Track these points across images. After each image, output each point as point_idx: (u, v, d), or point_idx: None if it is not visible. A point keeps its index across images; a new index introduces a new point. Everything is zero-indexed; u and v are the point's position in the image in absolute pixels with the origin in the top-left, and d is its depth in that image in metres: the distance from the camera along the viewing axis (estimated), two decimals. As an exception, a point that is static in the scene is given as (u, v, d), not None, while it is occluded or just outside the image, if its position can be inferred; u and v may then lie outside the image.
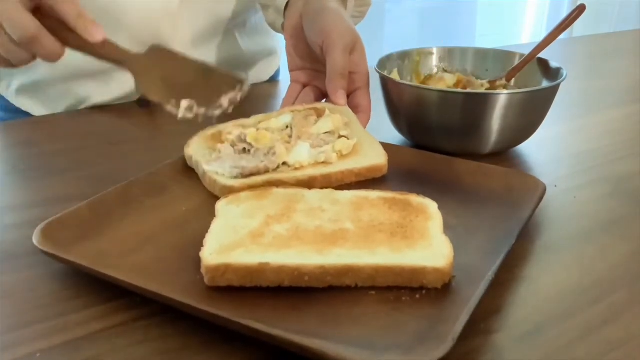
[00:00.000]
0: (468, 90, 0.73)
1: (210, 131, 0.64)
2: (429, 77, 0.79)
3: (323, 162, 0.60)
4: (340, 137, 0.63)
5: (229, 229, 0.47)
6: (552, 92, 0.69)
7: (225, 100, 0.57)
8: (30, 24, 0.58)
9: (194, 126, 0.61)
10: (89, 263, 0.44)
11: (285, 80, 0.99)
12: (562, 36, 0.78)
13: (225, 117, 0.59)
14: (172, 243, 0.49)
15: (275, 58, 1.08)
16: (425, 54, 0.80)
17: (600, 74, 1.14)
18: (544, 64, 0.75)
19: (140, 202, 0.54)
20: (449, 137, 0.68)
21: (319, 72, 0.75)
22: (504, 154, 0.70)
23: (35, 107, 0.91)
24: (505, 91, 0.70)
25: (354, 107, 0.70)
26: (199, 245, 0.45)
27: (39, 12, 0.59)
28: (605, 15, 2.75)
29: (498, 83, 0.76)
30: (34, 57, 0.62)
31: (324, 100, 0.75)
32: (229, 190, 0.55)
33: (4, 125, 0.82)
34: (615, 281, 0.48)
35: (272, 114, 0.68)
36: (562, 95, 0.70)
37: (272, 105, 0.95)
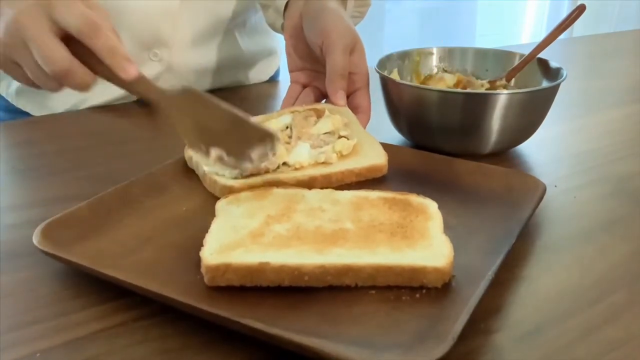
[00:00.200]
0: (468, 90, 0.73)
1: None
2: (429, 77, 0.79)
3: (323, 163, 0.60)
4: (340, 137, 0.63)
5: (229, 229, 0.47)
6: (552, 92, 0.69)
7: (255, 155, 0.56)
8: (63, 58, 0.55)
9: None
10: (89, 263, 0.44)
11: (285, 81, 0.99)
12: (562, 36, 0.78)
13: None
14: (172, 243, 0.49)
15: (275, 58, 1.08)
16: (425, 54, 0.80)
17: (600, 74, 1.14)
18: (544, 64, 0.75)
19: (140, 202, 0.54)
20: (449, 137, 0.68)
21: (318, 72, 0.75)
22: (504, 154, 0.70)
23: (35, 108, 0.91)
24: (505, 91, 0.70)
25: (354, 108, 0.70)
26: (199, 245, 0.45)
27: (69, 38, 0.56)
28: (605, 15, 2.75)
29: (498, 83, 0.76)
30: (62, 87, 0.59)
31: (323, 101, 0.75)
32: (229, 191, 0.55)
33: (4, 125, 0.82)
34: (615, 281, 0.48)
35: (272, 114, 0.68)
36: (562, 95, 0.70)
37: (272, 105, 0.96)
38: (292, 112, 0.68)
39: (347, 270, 0.42)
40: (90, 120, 0.84)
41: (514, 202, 0.54)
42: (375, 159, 0.61)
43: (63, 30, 0.55)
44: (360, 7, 0.92)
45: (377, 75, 0.71)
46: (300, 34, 0.75)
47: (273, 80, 1.09)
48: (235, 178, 0.57)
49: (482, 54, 0.81)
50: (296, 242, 0.45)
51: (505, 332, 0.42)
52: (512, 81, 0.76)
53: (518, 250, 0.50)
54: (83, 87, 0.57)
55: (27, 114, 0.91)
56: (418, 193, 0.53)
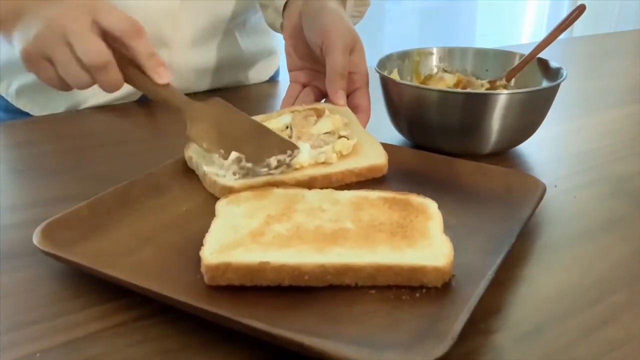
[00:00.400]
0: (468, 90, 0.73)
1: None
2: (429, 77, 0.79)
3: (323, 163, 0.60)
4: (340, 137, 0.63)
5: (229, 229, 0.47)
6: (552, 92, 0.69)
7: (274, 161, 0.57)
8: (104, 51, 0.59)
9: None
10: (89, 263, 0.44)
11: (284, 81, 0.99)
12: (562, 36, 0.78)
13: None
14: (172, 243, 0.49)
15: (275, 58, 1.08)
16: (425, 54, 0.80)
17: (600, 74, 1.14)
18: (544, 64, 0.75)
19: (140, 202, 0.54)
20: (449, 137, 0.68)
21: (318, 72, 0.75)
22: (504, 154, 0.70)
23: (35, 108, 0.91)
24: (505, 91, 0.70)
25: (354, 107, 0.70)
26: (199, 245, 0.45)
27: (104, 41, 0.60)
28: (605, 15, 2.75)
29: (498, 83, 0.76)
30: (93, 83, 0.61)
31: (323, 101, 0.75)
32: (229, 191, 0.55)
33: (3, 125, 0.82)
34: (615, 281, 0.48)
35: (271, 114, 0.68)
36: (562, 95, 0.70)
37: (272, 105, 0.96)
38: (292, 111, 0.68)
39: (347, 269, 0.42)
40: (90, 120, 0.84)
41: (514, 202, 0.54)
42: (375, 159, 0.61)
43: (104, 31, 0.60)
44: (359, 6, 0.92)
45: (377, 75, 0.71)
46: (299, 34, 0.75)
47: (273, 80, 1.09)
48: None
49: (482, 54, 0.81)
50: (296, 241, 0.45)
51: (505, 332, 0.42)
52: (512, 81, 0.76)
53: (518, 250, 0.50)
54: (113, 85, 0.61)
55: (27, 114, 0.91)
56: (418, 193, 0.53)
